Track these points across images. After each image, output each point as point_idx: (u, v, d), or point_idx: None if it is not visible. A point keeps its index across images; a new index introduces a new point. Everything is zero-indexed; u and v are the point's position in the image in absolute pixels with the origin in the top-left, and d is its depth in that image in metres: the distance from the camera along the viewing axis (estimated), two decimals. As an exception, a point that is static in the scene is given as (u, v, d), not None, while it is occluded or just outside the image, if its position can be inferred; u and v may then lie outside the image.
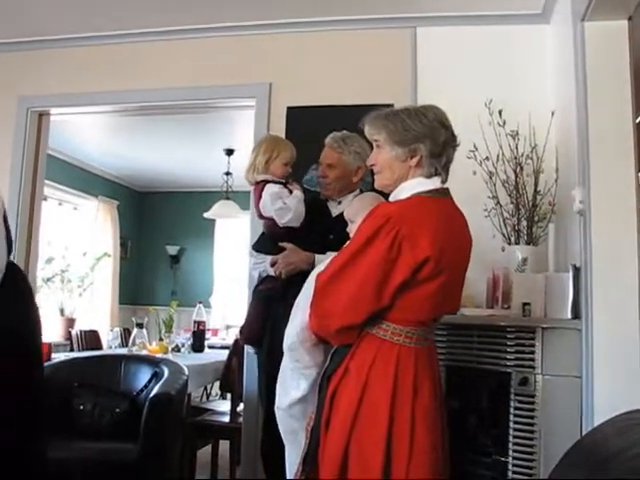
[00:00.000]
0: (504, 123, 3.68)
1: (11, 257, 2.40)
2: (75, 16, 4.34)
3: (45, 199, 5.54)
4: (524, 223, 3.56)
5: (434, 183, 2.21)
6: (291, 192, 3.19)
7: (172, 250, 9.46)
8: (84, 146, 7.42)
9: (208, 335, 6.26)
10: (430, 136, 2.18)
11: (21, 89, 4.69)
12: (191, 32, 4.44)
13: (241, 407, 4.44)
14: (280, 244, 3.12)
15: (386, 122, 2.25)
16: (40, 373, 2.49)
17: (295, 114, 4.22)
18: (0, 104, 4.71)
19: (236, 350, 4.76)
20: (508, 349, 3.03)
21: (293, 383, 2.57)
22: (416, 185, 2.20)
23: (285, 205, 3.12)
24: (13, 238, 2.55)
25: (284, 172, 3.27)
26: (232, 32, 4.38)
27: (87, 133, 6.83)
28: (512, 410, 2.98)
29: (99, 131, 6.83)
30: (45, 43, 4.69)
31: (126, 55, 4.57)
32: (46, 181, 5.13)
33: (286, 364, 2.60)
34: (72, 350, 6.35)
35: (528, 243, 3.52)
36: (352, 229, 2.47)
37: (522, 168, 3.63)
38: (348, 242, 2.24)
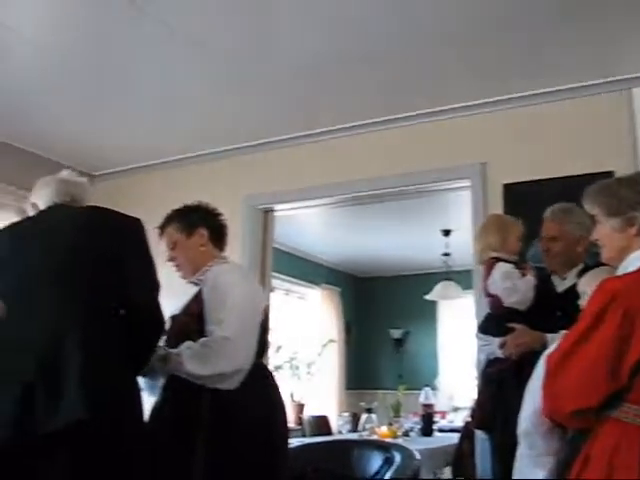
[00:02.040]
0: None
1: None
2: (288, 118, 4.63)
3: (272, 290, 5.82)
4: None
5: (662, 250, 2.08)
6: (523, 275, 3.14)
7: (396, 334, 9.48)
8: (305, 237, 7.76)
9: (436, 418, 6.16)
10: None
11: (246, 189, 5.02)
12: (400, 120, 4.55)
13: (476, 493, 4.28)
14: (509, 325, 3.03)
15: (598, 196, 2.20)
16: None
17: (512, 190, 4.15)
18: (228, 203, 5.04)
19: (467, 434, 4.63)
20: None
21: (529, 472, 2.45)
22: (643, 255, 2.08)
23: (514, 286, 3.06)
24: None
25: (519, 247, 3.26)
26: (441, 116, 4.44)
27: (308, 225, 7.14)
28: None
29: (319, 222, 7.12)
30: (265, 145, 5.03)
31: (339, 149, 4.77)
32: (273, 273, 5.40)
33: (522, 451, 2.49)
34: (304, 435, 6.51)
35: None
36: (583, 303, 2.37)
37: None
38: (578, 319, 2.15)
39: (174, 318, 2.80)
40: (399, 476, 3.48)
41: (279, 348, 7.53)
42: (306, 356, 8.10)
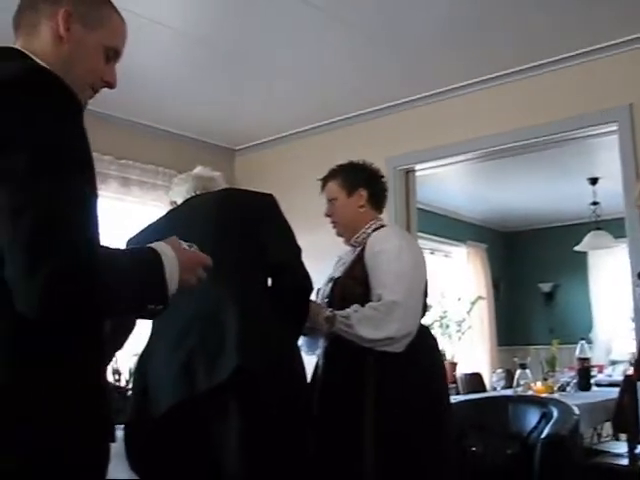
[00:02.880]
0: None
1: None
2: (425, 76, 4.60)
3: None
4: None
5: None
6: None
7: (545, 287, 9.29)
8: (448, 195, 7.71)
9: (593, 372, 5.99)
10: None
11: (388, 150, 5.03)
12: (539, 68, 4.41)
13: (640, 449, 4.15)
14: None
15: None
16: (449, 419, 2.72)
17: (664, 131, 3.95)
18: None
19: (628, 387, 4.48)
20: None
21: None
22: None
23: None
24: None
25: None
26: (583, 58, 4.26)
27: (450, 182, 7.07)
28: None
29: (461, 179, 7.04)
30: (403, 105, 5.03)
31: (478, 103, 4.69)
32: (417, 233, 5.40)
33: None
34: (458, 393, 6.51)
35: None
36: None
37: None
38: None
39: (336, 281, 2.83)
40: (558, 431, 3.44)
41: (429, 307, 7.53)
42: (455, 314, 8.07)
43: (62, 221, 1.22)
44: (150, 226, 2.66)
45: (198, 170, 2.87)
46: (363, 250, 2.75)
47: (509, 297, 9.49)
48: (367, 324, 2.54)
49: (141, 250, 1.45)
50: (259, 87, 4.72)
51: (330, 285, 2.84)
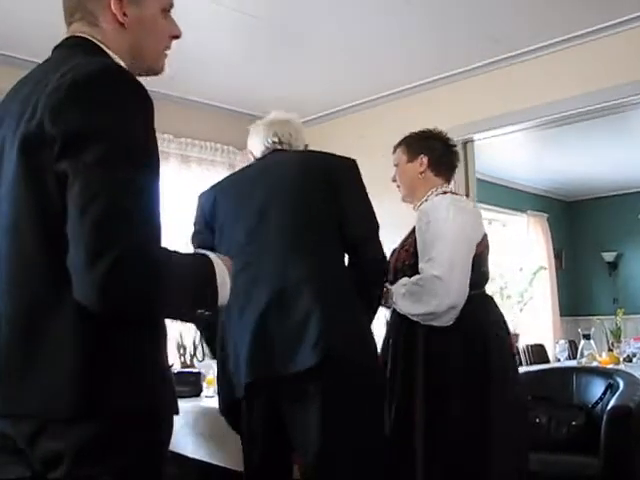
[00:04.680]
0: None
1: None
2: (484, 43, 4.49)
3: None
4: None
5: None
6: None
7: (608, 257, 9.11)
8: (507, 164, 7.58)
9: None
10: None
11: (444, 122, 4.93)
12: (606, 30, 4.25)
13: None
14: None
15: None
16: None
17: None
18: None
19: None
20: None
21: None
22: None
23: None
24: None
25: None
26: None
27: (510, 151, 6.96)
28: None
29: (521, 147, 6.91)
30: (460, 75, 4.93)
31: (541, 68, 4.56)
32: (478, 204, 5.35)
33: None
34: (520, 364, 6.47)
35: None
36: None
37: None
38: None
39: (393, 252, 2.84)
40: (624, 402, 3.39)
41: (490, 279, 7.45)
42: (517, 285, 7.99)
43: (127, 214, 1.23)
44: (228, 181, 2.62)
45: (272, 115, 2.71)
46: (417, 221, 2.75)
47: (572, 267, 9.35)
48: (409, 299, 2.57)
49: (197, 256, 1.48)
50: (321, 59, 4.68)
51: (389, 256, 2.79)
